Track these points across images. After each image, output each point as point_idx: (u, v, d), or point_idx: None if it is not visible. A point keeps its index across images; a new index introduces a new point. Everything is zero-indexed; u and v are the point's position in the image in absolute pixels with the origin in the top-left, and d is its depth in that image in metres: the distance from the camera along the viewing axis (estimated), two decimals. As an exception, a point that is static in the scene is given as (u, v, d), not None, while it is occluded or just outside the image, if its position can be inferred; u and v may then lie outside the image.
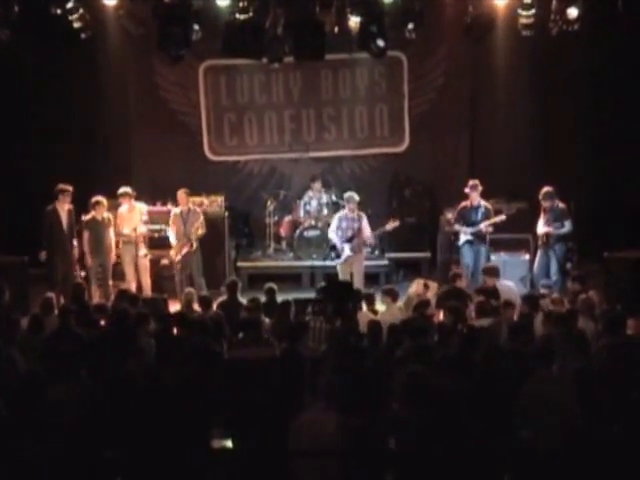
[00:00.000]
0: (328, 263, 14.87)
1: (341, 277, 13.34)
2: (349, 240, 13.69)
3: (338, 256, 13.81)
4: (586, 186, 15.35)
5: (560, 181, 13.79)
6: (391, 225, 14.05)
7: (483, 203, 13.92)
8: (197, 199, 15.09)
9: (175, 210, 14.41)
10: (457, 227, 14.05)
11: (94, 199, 13.98)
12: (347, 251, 13.67)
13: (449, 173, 16.67)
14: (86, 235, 13.97)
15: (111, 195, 14.61)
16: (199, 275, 14.21)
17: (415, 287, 11.88)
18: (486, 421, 6.97)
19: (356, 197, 14.04)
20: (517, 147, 16.14)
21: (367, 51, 14.01)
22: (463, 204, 14.01)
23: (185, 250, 14.03)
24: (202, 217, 14.36)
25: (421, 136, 16.95)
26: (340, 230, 13.78)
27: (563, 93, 15.81)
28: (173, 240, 14.27)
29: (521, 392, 7.37)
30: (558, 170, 14.84)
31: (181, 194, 14.31)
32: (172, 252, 14.23)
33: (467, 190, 13.91)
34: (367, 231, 13.83)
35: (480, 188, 13.84)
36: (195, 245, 14.09)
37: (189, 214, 14.25)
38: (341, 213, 14.10)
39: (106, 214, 14.02)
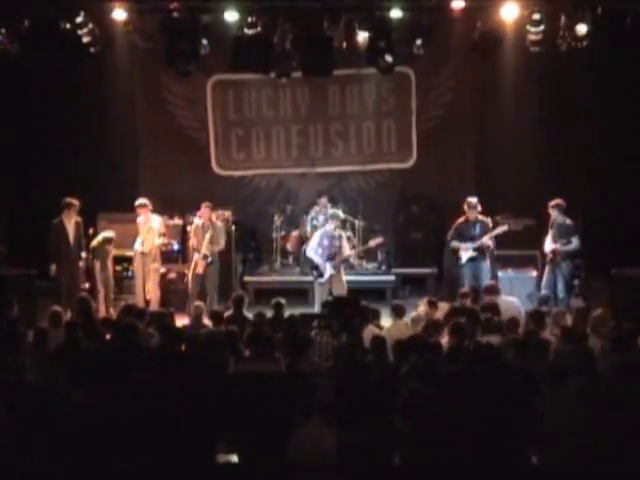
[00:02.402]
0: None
1: (319, 297, 13.25)
2: (331, 258, 13.45)
3: (321, 275, 13.47)
4: (594, 203, 15.29)
5: (567, 198, 13.71)
6: (375, 242, 14.06)
7: (480, 218, 13.80)
8: (214, 213, 15.12)
9: (197, 222, 14.36)
10: (455, 244, 13.82)
11: (110, 236, 14.26)
12: (330, 269, 13.40)
13: (456, 189, 16.61)
14: (97, 264, 14.15)
15: (119, 208, 14.70)
16: (214, 290, 14.21)
17: (422, 307, 11.76)
18: (493, 439, 6.93)
19: (341, 215, 14.05)
20: (524, 164, 16.07)
21: (375, 67, 14.08)
22: (460, 220, 13.85)
23: (204, 263, 14.02)
24: (224, 231, 14.44)
25: (428, 152, 16.97)
26: (321, 248, 13.47)
27: (572, 110, 15.81)
28: (192, 252, 14.27)
29: (530, 410, 7.33)
30: (565, 187, 14.73)
31: (205, 207, 14.29)
32: (192, 265, 14.22)
33: (465, 208, 13.83)
34: (346, 250, 13.70)
35: (479, 208, 13.76)
36: (213, 259, 14.09)
37: (210, 228, 14.24)
38: (323, 230, 13.83)
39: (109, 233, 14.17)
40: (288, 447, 6.83)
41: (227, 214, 15.70)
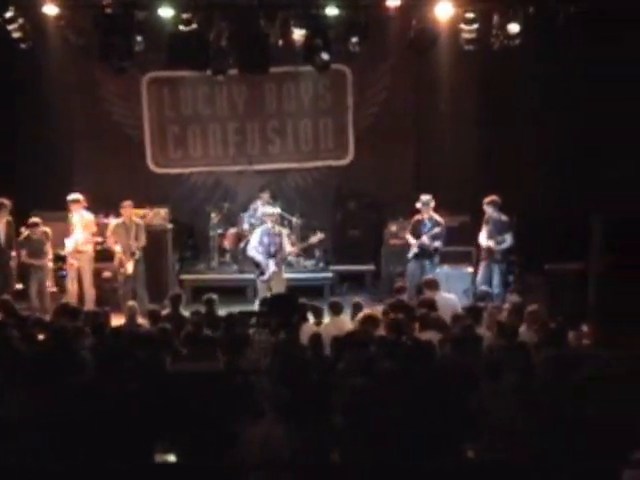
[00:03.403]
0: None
1: (262, 294, 13.21)
2: (273, 255, 13.48)
3: (262, 273, 13.49)
4: (529, 199, 15.42)
5: (503, 194, 13.84)
6: (316, 238, 14.05)
7: (435, 217, 13.95)
8: (141, 211, 15.01)
9: (117, 221, 14.29)
10: (407, 237, 14.06)
11: (31, 220, 13.90)
12: (272, 267, 13.43)
13: (393, 186, 16.72)
14: (24, 253, 13.87)
15: (53, 207, 14.52)
16: (142, 288, 14.13)
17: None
18: (430, 435, 6.96)
19: (272, 210, 14.04)
20: (461, 161, 16.21)
21: (311, 64, 14.06)
22: (416, 217, 14.05)
23: (128, 262, 13.94)
24: (144, 229, 14.31)
25: (365, 149, 17.03)
26: (262, 246, 13.50)
27: (506, 107, 15.92)
28: (118, 251, 14.14)
29: (467, 406, 7.37)
30: (501, 183, 14.86)
31: (126, 205, 14.20)
32: (116, 264, 14.12)
33: (418, 205, 13.95)
34: (287, 247, 13.74)
35: (432, 204, 13.87)
36: (138, 257, 14.01)
37: (131, 226, 14.14)
38: (262, 228, 13.82)
39: (42, 230, 13.93)
40: (239, 445, 6.82)
41: (163, 212, 15.58)
